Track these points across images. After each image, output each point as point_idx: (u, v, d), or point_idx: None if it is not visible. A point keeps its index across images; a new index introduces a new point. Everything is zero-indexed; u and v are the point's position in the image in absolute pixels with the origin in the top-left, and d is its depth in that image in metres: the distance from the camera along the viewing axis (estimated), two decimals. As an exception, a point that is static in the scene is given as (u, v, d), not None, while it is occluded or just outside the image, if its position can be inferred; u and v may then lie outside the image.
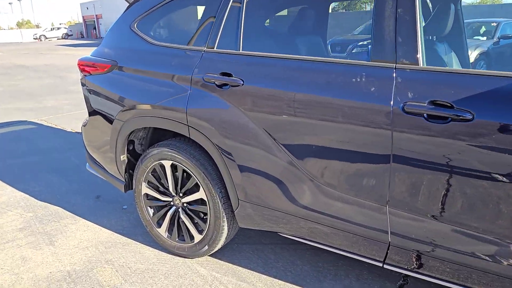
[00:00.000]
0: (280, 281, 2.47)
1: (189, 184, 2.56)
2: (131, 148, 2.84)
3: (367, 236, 2.01)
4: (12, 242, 2.98)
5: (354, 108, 1.87)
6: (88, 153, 3.21)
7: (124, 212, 3.42)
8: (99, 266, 2.67)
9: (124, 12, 2.88)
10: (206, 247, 2.59)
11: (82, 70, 2.98)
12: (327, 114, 1.94)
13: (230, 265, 2.65)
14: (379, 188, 1.90)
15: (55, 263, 2.71)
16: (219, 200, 2.43)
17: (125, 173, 2.88)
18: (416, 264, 1.92)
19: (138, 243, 2.95)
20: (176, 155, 2.51)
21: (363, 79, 1.86)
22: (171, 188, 2.66)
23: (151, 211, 2.83)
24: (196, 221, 2.64)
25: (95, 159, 3.14)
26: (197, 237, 2.62)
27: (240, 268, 2.62)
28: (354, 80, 1.89)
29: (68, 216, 3.36)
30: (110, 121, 2.78)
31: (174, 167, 2.60)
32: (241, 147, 2.23)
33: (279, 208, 2.24)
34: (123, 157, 2.83)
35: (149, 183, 2.76)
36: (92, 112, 2.97)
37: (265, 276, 2.53)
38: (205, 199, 2.49)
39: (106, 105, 2.80)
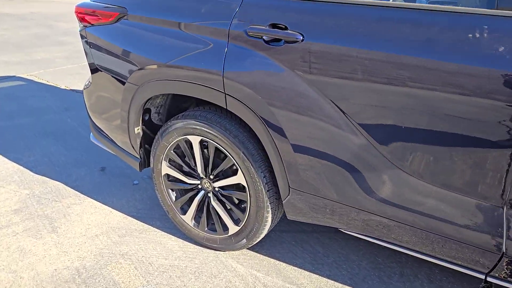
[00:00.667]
0: (336, 283, 2.04)
1: (224, 166, 2.06)
2: (146, 118, 2.31)
3: (471, 243, 1.55)
4: (7, 228, 2.51)
5: (469, 76, 1.35)
6: (92, 121, 2.67)
7: (136, 189, 2.94)
8: (114, 261, 2.22)
9: None
10: (245, 240, 2.14)
11: (81, 20, 2.38)
12: (427, 83, 1.41)
13: (272, 260, 2.22)
14: (496, 184, 1.41)
15: (60, 257, 2.25)
16: (262, 187, 1.94)
17: (140, 148, 2.37)
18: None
19: (157, 229, 2.49)
20: (207, 130, 1.99)
21: (486, 35, 1.32)
22: (199, 169, 2.16)
23: (173, 194, 2.35)
24: (230, 208, 2.18)
25: (100, 129, 2.61)
26: (233, 228, 2.16)
27: (284, 264, 2.18)
28: (470, 36, 1.35)
29: (71, 194, 2.88)
30: (120, 83, 2.22)
31: (203, 144, 2.09)
32: (297, 122, 1.71)
33: (347, 202, 1.76)
34: (138, 129, 2.30)
35: (171, 161, 2.26)
36: (96, 71, 2.40)
37: (316, 275, 2.10)
38: (244, 184, 2.01)
39: (114, 63, 2.23)
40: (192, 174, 2.23)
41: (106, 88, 2.35)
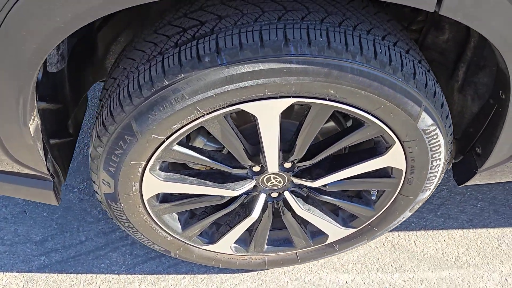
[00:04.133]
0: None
1: (353, 140, 0.84)
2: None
3: None
4: None
5: None
6: None
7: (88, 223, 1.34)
8: None
9: None
10: (366, 240, 1.11)
11: None
12: None
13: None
14: None
15: None
16: (438, 160, 0.87)
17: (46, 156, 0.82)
18: None
19: None
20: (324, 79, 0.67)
21: None
22: (270, 158, 0.86)
23: (176, 221, 1.01)
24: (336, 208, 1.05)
25: None
26: (339, 233, 1.08)
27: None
28: None
29: None
30: None
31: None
32: None
33: None
34: (33, 118, 0.73)
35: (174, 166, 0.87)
36: None
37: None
38: (401, 167, 0.88)
39: None
40: (234, 171, 0.91)
41: None
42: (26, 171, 0.84)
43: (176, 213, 1.02)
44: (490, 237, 1.32)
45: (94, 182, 0.88)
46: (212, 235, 1.10)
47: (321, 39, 0.68)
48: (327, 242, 1.13)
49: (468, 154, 1.00)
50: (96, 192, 0.92)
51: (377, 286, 1.20)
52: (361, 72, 0.70)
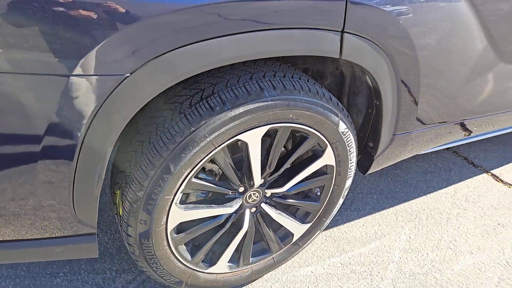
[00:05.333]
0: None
1: (305, 148, 1.27)
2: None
3: None
4: None
5: None
6: None
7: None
8: None
9: None
10: (318, 231, 1.52)
11: None
12: None
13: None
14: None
15: None
16: (353, 153, 1.37)
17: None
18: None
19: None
20: (285, 110, 1.11)
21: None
22: (256, 175, 1.23)
23: (186, 251, 1.27)
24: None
25: None
26: (300, 229, 1.46)
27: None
28: None
29: None
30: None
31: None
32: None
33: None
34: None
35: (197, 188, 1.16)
36: None
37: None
38: (332, 163, 1.34)
39: None
40: (229, 193, 1.25)
41: None
42: (85, 230, 1.04)
43: (184, 243, 1.28)
44: (389, 214, 1.85)
45: (130, 225, 1.12)
46: (212, 258, 1.37)
47: (279, 85, 1.12)
48: (293, 240, 1.49)
49: (365, 150, 1.52)
50: (130, 236, 1.14)
51: (333, 268, 1.59)
52: (305, 101, 1.15)
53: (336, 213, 1.57)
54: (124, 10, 0.81)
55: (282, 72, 1.17)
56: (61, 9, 0.77)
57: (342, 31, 1.05)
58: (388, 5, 1.08)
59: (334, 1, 1.00)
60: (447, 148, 2.32)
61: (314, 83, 1.22)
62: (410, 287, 1.53)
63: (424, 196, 1.96)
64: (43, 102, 0.83)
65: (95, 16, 0.79)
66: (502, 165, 2.22)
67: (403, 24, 1.14)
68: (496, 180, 2.11)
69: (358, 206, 1.88)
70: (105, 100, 0.86)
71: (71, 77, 0.81)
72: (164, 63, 0.88)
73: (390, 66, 1.19)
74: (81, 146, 0.90)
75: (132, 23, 0.81)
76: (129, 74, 0.86)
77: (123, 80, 0.86)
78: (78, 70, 0.81)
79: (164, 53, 0.86)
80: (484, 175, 2.14)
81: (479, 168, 2.19)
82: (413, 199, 1.94)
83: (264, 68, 1.17)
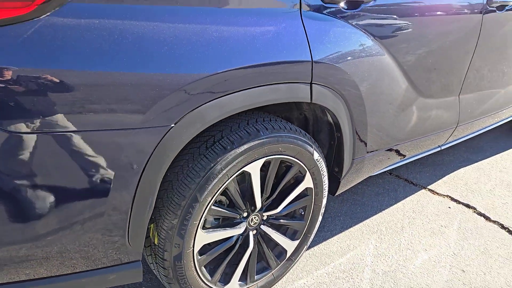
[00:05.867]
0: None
1: (290, 175, 1.63)
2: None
3: None
4: None
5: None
6: None
7: None
8: None
9: None
10: (305, 248, 1.82)
11: None
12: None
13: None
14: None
15: None
16: (325, 176, 1.74)
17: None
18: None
19: None
20: (275, 144, 1.47)
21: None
22: (259, 200, 1.55)
23: (207, 271, 1.52)
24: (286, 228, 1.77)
25: None
26: (291, 246, 1.76)
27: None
28: None
29: None
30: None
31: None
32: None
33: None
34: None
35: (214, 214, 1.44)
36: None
37: (339, 234, 2.16)
38: (311, 186, 1.70)
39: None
40: (238, 217, 1.55)
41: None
42: (134, 257, 1.28)
43: (203, 265, 1.53)
44: (356, 230, 2.21)
45: (166, 250, 1.37)
46: (225, 278, 1.62)
47: (269, 126, 1.48)
48: (287, 256, 1.79)
49: (332, 175, 1.90)
50: (165, 260, 1.38)
51: (321, 278, 1.89)
52: (289, 137, 1.52)
53: (314, 235, 1.91)
54: (172, 80, 1.14)
55: (267, 118, 1.55)
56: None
57: (311, 83, 1.46)
58: (339, 62, 1.52)
59: (304, 63, 1.41)
60: (391, 173, 2.79)
61: (292, 124, 1.60)
62: (384, 283, 1.87)
63: (380, 213, 2.36)
64: (113, 150, 1.12)
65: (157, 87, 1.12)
66: (434, 181, 2.71)
67: (350, 74, 1.57)
68: (433, 193, 2.58)
69: (330, 227, 2.23)
70: (157, 145, 1.17)
71: (136, 129, 1.12)
72: (197, 114, 1.21)
73: (345, 105, 1.62)
74: (138, 182, 1.18)
75: (178, 89, 1.15)
76: (173, 125, 1.18)
77: (169, 129, 1.18)
78: (141, 124, 1.12)
79: (197, 107, 1.20)
80: (423, 190, 2.61)
81: (418, 185, 2.66)
82: (372, 216, 2.34)
83: (254, 116, 1.54)
